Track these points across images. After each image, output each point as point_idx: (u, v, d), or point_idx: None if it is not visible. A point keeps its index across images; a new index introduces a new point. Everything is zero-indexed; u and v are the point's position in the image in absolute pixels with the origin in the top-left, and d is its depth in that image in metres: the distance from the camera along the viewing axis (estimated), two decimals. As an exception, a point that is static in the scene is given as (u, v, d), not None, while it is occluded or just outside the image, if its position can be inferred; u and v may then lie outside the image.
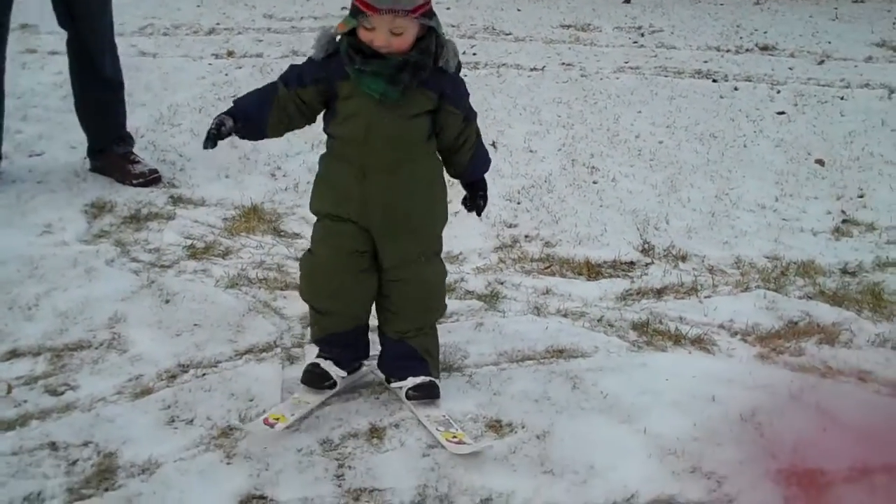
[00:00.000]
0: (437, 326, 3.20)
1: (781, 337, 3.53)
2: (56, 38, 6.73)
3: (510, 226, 4.31)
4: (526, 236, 4.22)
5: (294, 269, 3.84)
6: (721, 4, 8.11)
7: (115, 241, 4.11)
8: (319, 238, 3.04)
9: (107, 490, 2.72)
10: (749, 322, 3.60)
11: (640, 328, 3.55)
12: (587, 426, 2.99)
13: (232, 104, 2.97)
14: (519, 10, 7.92)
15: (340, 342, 3.09)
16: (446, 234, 3.93)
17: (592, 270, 3.96)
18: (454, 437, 2.86)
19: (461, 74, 2.99)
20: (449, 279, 3.69)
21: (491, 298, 3.73)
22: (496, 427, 2.98)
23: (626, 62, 6.60)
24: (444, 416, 2.97)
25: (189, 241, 4.12)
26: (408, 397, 3.01)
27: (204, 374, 3.23)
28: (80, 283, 3.77)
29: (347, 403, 3.07)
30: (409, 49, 2.79)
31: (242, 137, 3.01)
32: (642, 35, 7.23)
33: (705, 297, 3.79)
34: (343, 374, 3.09)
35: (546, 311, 3.67)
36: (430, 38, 2.83)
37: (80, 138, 5.17)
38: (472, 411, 3.04)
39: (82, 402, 3.09)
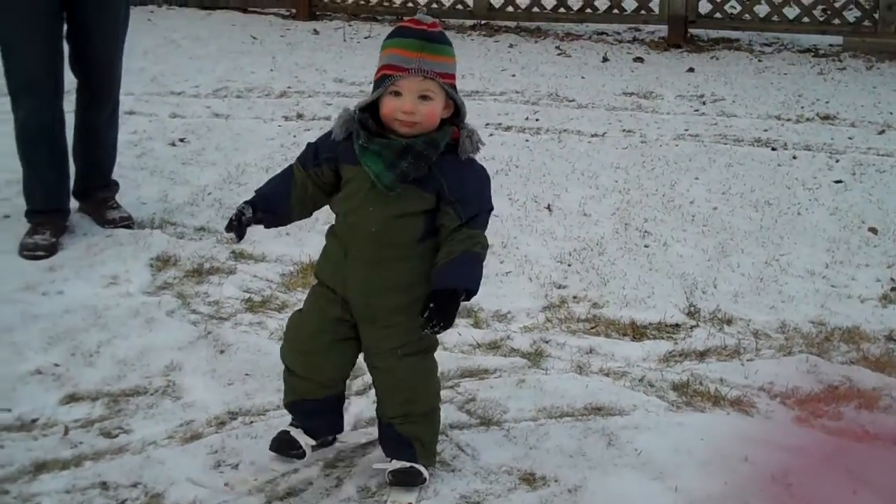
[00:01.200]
0: (480, 382, 3.28)
1: (821, 400, 3.57)
2: (132, 99, 7.03)
3: (559, 286, 4.40)
4: (574, 297, 4.31)
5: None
6: (784, 74, 8.16)
7: (177, 294, 4.27)
8: (308, 299, 3.07)
9: (152, 529, 2.84)
10: (789, 385, 3.64)
11: (680, 389, 3.61)
12: (619, 482, 3.06)
13: (254, 194, 2.95)
14: (583, 77, 8.05)
15: (312, 410, 3.05)
16: (493, 292, 4.07)
17: (637, 331, 4.03)
18: None
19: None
20: (495, 336, 3.82)
21: (535, 356, 3.82)
22: (529, 480, 3.06)
23: (686, 129, 6.68)
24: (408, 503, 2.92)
25: (247, 295, 4.27)
26: (388, 480, 2.95)
27: (252, 422, 3.36)
28: (140, 333, 3.93)
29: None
30: (423, 132, 2.71)
31: (268, 226, 2.98)
32: (704, 103, 7.31)
33: (747, 360, 3.84)
34: (312, 442, 3.05)
35: (588, 369, 3.75)
36: (447, 129, 2.75)
37: (148, 195, 5.39)
38: (507, 464, 3.13)
39: (134, 445, 3.24)
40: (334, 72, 8.04)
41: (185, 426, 3.35)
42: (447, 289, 2.72)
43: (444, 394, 3.43)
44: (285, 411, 3.37)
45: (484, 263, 2.82)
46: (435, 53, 2.70)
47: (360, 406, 3.44)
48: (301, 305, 3.95)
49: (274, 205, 2.91)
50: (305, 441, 3.04)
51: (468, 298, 2.79)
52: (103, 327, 3.98)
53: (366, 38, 9.26)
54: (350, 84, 7.70)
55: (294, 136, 6.49)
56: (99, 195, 5.03)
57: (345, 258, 2.87)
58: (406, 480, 2.93)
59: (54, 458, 3.18)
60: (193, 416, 3.39)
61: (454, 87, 2.75)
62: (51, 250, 4.62)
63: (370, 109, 2.77)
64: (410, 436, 2.94)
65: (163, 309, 4.13)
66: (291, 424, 3.09)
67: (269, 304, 4.20)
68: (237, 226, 2.86)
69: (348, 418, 3.29)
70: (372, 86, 2.79)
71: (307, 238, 4.84)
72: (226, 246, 4.77)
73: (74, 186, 5.01)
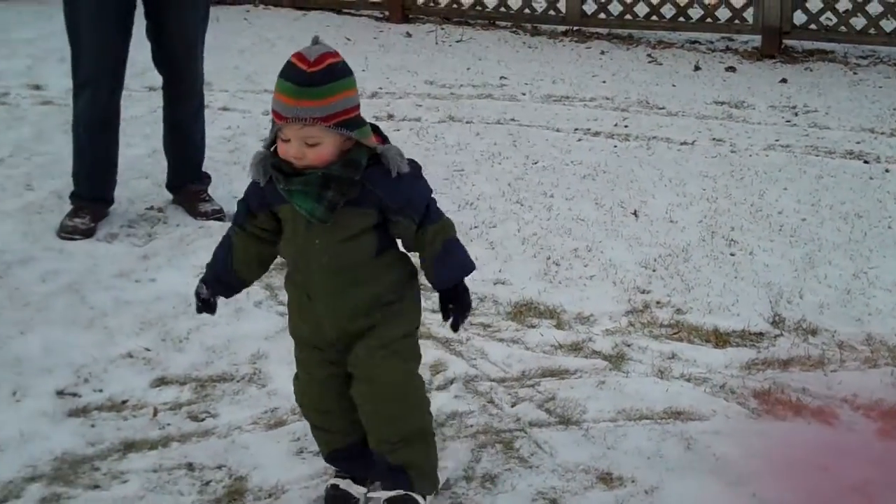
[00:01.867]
0: (560, 382, 3.29)
1: (905, 414, 3.54)
2: (226, 96, 7.17)
3: (643, 291, 4.41)
4: (657, 302, 4.31)
5: (429, 321, 4.01)
6: (880, 87, 8.04)
7: (265, 285, 4.35)
8: (298, 366, 2.96)
9: (238, 510, 2.93)
10: (873, 397, 3.61)
11: (762, 396, 3.60)
12: (696, 485, 3.07)
13: (205, 269, 2.91)
14: (674, 85, 8.02)
15: (346, 457, 2.96)
16: (577, 295, 4.10)
17: (720, 339, 4.02)
18: None
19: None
20: (577, 338, 3.85)
21: (616, 359, 3.83)
22: (606, 479, 3.09)
23: (777, 140, 6.62)
24: None
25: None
26: None
27: (334, 412, 3.42)
28: (228, 321, 4.02)
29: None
30: (331, 162, 2.57)
31: (228, 296, 2.94)
32: (796, 114, 7.24)
33: (831, 371, 3.81)
34: (363, 490, 2.95)
35: (669, 374, 3.75)
36: (360, 150, 2.60)
37: (241, 189, 5.45)
38: (584, 463, 3.15)
39: (220, 429, 3.33)
40: (426, 74, 8.10)
41: (270, 413, 3.43)
42: (452, 286, 2.76)
43: (523, 392, 3.50)
44: (367, 402, 3.44)
45: (459, 241, 2.81)
46: (313, 98, 2.50)
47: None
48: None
49: (222, 276, 2.85)
50: (356, 490, 2.94)
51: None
52: (193, 315, 4.04)
53: (458, 41, 9.31)
54: (441, 86, 7.76)
55: (384, 136, 6.55)
56: (191, 188, 5.21)
57: (309, 301, 2.76)
58: None
59: (143, 438, 3.29)
60: (278, 404, 3.46)
61: (347, 121, 2.55)
62: (88, 234, 4.84)
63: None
64: (404, 463, 2.80)
65: (251, 299, 4.21)
66: (337, 476, 2.99)
67: (355, 299, 4.25)
68: (202, 306, 2.89)
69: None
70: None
71: (394, 235, 4.89)
72: (314, 241, 4.84)
73: (167, 179, 5.27)
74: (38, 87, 7.42)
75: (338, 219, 2.61)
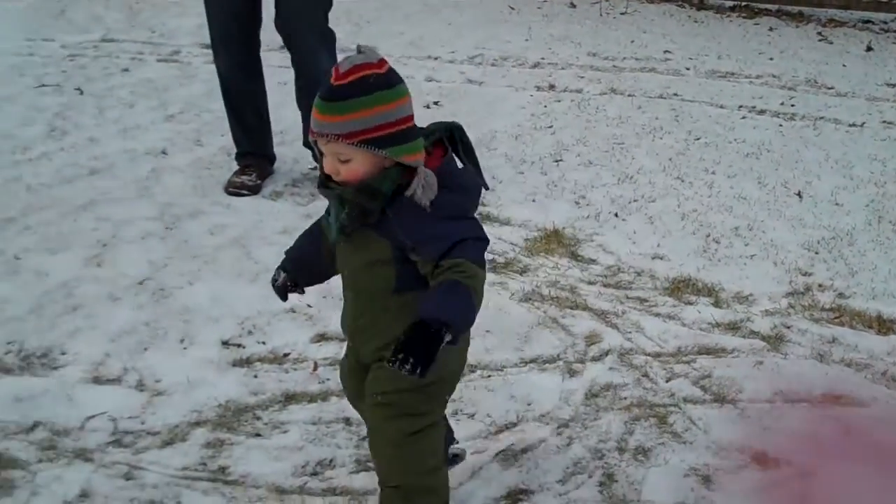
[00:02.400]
0: (717, 360, 3.27)
1: None
2: (390, 61, 7.24)
3: (805, 273, 4.33)
4: (819, 285, 4.23)
5: (585, 292, 4.03)
6: None
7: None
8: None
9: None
10: None
11: (925, 386, 3.52)
12: (854, 472, 3.01)
13: (283, 255, 2.76)
14: (844, 65, 7.81)
15: None
16: (736, 274, 4.05)
17: (883, 325, 3.93)
18: None
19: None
20: (735, 317, 3.80)
21: (775, 340, 3.78)
22: (761, 459, 3.05)
23: (953, 125, 6.42)
24: None
25: (491, 256, 4.37)
26: None
27: (489, 376, 3.47)
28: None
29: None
30: (357, 184, 2.36)
31: (306, 285, 2.74)
32: (974, 99, 7.00)
33: None
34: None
35: (829, 358, 3.68)
36: (390, 172, 2.35)
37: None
38: (738, 441, 3.13)
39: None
40: (589, 46, 8.06)
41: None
42: (420, 319, 2.24)
43: (678, 368, 3.48)
44: (523, 367, 3.49)
45: (472, 294, 2.31)
46: (335, 113, 2.32)
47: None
48: (535, 273, 4.07)
49: (307, 264, 2.69)
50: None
51: (451, 335, 2.26)
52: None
53: (622, 13, 9.24)
54: (604, 58, 7.71)
55: (545, 106, 6.56)
56: None
57: (344, 301, 2.62)
58: None
59: (303, 390, 3.38)
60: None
61: (377, 139, 2.32)
62: (255, 190, 5.00)
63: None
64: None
65: (410, 262, 4.27)
66: None
67: (512, 267, 4.29)
68: (279, 290, 2.72)
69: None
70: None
71: (553, 206, 4.91)
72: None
73: (303, 138, 5.22)
74: (207, 46, 7.58)
75: (358, 240, 2.42)
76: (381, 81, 2.33)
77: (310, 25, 4.84)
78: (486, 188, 2.59)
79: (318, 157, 2.44)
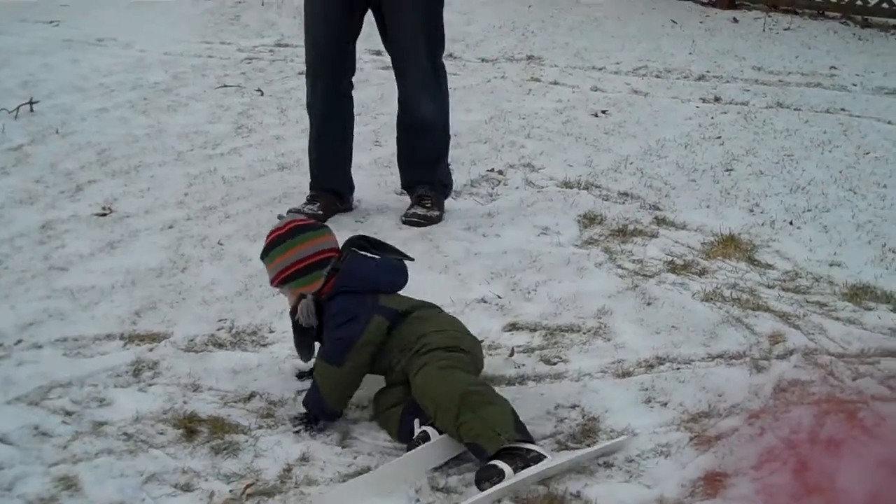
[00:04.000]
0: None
1: None
2: (556, 71, 7.46)
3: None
4: None
5: (765, 295, 4.14)
6: None
7: (604, 249, 4.57)
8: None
9: (588, 445, 3.15)
10: None
11: None
12: None
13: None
14: None
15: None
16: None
17: None
18: None
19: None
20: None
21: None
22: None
23: None
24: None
25: (670, 258, 4.50)
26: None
27: (679, 368, 3.61)
28: (572, 279, 4.26)
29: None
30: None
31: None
32: None
33: None
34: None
35: None
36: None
37: (574, 158, 5.74)
38: (929, 439, 3.20)
39: (571, 374, 3.57)
40: (753, 60, 8.11)
41: (617, 364, 3.64)
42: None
43: (863, 368, 3.57)
44: (710, 362, 3.62)
45: (319, 387, 3.31)
46: (266, 264, 3.47)
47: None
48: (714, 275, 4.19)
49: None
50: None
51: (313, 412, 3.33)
52: (539, 269, 4.35)
53: (785, 29, 9.24)
54: (769, 73, 7.76)
55: (711, 118, 6.66)
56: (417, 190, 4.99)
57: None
58: (484, 477, 2.95)
59: (501, 374, 3.57)
60: (624, 357, 3.67)
61: (287, 278, 3.40)
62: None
63: None
64: (471, 438, 3.02)
65: (592, 261, 4.44)
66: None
67: (691, 269, 4.41)
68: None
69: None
70: None
71: (727, 213, 5.02)
72: (648, 212, 5.02)
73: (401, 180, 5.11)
74: (378, 53, 7.86)
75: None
76: (285, 234, 3.40)
77: (416, 64, 4.74)
78: (408, 259, 3.53)
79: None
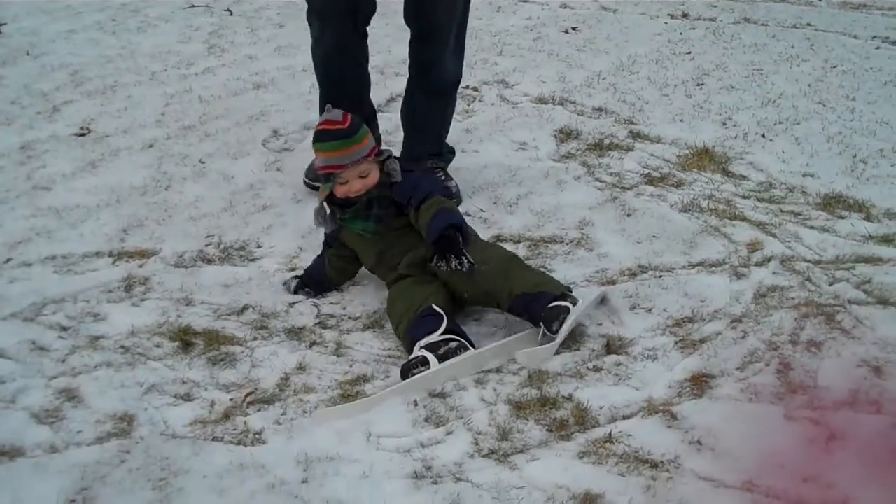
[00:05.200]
0: (875, 268, 3.38)
1: None
2: (530, -13, 7.45)
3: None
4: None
5: (741, 205, 4.22)
6: None
7: (582, 163, 4.64)
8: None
9: (577, 349, 3.24)
10: None
11: None
12: None
13: (303, 272, 3.74)
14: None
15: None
16: (885, 192, 4.21)
17: None
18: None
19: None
20: (888, 230, 3.96)
21: (928, 253, 3.93)
22: (927, 355, 3.25)
23: None
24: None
25: (646, 170, 4.58)
26: (545, 327, 3.27)
27: (661, 276, 3.70)
28: (552, 192, 4.33)
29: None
30: (376, 184, 3.46)
31: (320, 293, 3.69)
32: None
33: None
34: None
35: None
36: (385, 173, 3.49)
37: (547, 75, 5.78)
38: (904, 339, 3.32)
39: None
40: (719, -25, 8.14)
41: (601, 273, 3.73)
42: (438, 233, 3.34)
43: (839, 273, 3.68)
44: (691, 269, 3.72)
45: (452, 209, 3.46)
46: (355, 144, 3.42)
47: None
48: (690, 186, 4.26)
49: (318, 280, 3.69)
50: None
51: (463, 235, 3.38)
52: (519, 184, 4.42)
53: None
54: (735, -12, 7.80)
55: (680, 34, 6.71)
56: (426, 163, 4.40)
57: (408, 282, 3.46)
58: (553, 316, 3.23)
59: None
60: (607, 266, 3.76)
61: (377, 152, 3.51)
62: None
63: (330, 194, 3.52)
64: (534, 286, 3.30)
65: (570, 174, 4.51)
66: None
67: (668, 181, 4.49)
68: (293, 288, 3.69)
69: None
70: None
71: (701, 126, 5.09)
72: (623, 126, 5.09)
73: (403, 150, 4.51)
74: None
75: (388, 226, 3.51)
76: (358, 123, 3.48)
77: (449, 26, 4.18)
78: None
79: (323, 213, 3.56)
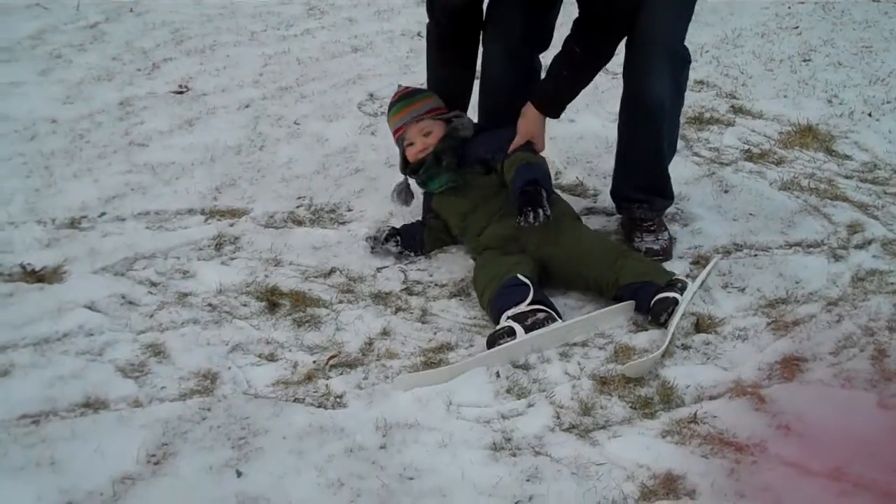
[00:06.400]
0: None
1: None
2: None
3: None
4: None
5: (843, 186, 4.11)
6: None
7: (680, 136, 4.52)
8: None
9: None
10: None
11: None
12: None
13: (399, 226, 3.72)
14: None
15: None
16: None
17: None
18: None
19: None
20: None
21: None
22: None
23: None
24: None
25: (746, 147, 4.48)
26: (653, 316, 3.23)
27: (756, 255, 3.62)
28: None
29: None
30: (441, 139, 3.56)
31: (404, 246, 3.65)
32: None
33: None
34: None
35: None
36: (452, 126, 3.60)
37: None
38: None
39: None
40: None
41: (695, 249, 3.65)
42: (519, 189, 3.34)
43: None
44: (788, 249, 3.63)
45: (543, 166, 3.48)
46: (413, 103, 3.63)
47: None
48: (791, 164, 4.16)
49: (410, 234, 3.68)
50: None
51: (545, 189, 3.36)
52: (614, 155, 4.33)
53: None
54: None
55: (788, 7, 6.56)
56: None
57: (494, 253, 3.44)
58: (661, 308, 3.18)
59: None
60: (701, 242, 3.68)
61: (438, 110, 3.64)
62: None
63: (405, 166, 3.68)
64: (641, 276, 3.26)
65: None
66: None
67: (768, 158, 4.39)
68: (376, 238, 3.68)
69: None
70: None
71: (805, 103, 4.96)
72: (725, 100, 4.98)
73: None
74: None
75: (468, 182, 3.57)
76: (418, 89, 3.74)
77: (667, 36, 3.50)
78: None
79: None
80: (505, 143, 3.50)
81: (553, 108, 3.53)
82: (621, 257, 3.33)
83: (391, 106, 3.70)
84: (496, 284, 3.23)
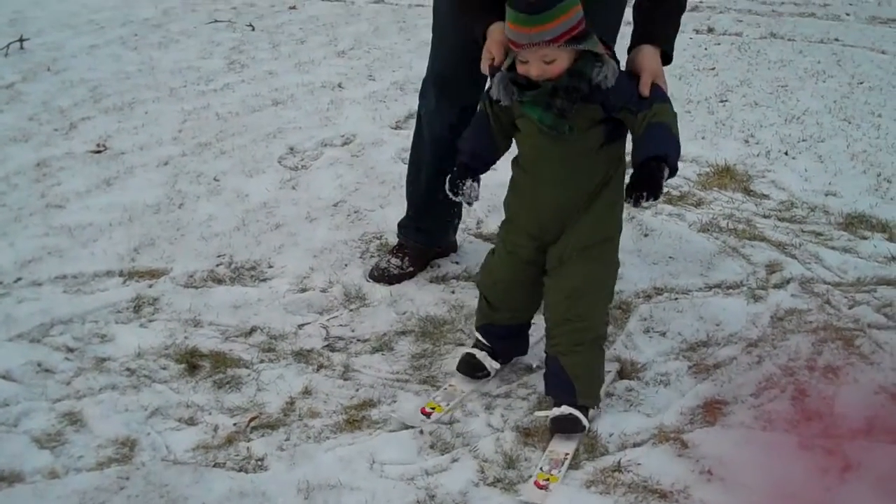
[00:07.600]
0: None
1: None
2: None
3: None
4: None
5: (762, 225, 4.15)
6: None
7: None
8: (500, 240, 3.15)
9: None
10: None
11: None
12: None
13: (461, 155, 3.03)
14: None
15: (500, 334, 3.20)
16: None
17: None
18: (545, 479, 2.78)
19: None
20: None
21: (952, 275, 3.85)
22: (948, 382, 3.16)
23: None
24: (564, 455, 2.87)
25: (665, 189, 4.48)
26: (549, 427, 2.96)
27: (676, 298, 3.63)
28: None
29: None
30: (563, 74, 2.75)
31: (481, 172, 3.03)
32: None
33: None
34: (497, 365, 3.22)
35: None
36: (586, 60, 2.75)
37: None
38: (925, 366, 3.24)
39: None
40: (746, -11, 8.07)
41: (616, 295, 3.63)
42: (640, 161, 2.74)
43: (860, 297, 3.59)
44: (708, 292, 3.64)
45: (673, 129, 2.81)
46: (540, 23, 2.69)
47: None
48: (710, 206, 4.19)
49: (482, 146, 3.02)
50: (490, 364, 3.20)
51: (669, 167, 2.77)
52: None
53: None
54: (762, 3, 7.77)
55: (705, 49, 6.67)
56: None
57: (535, 186, 2.98)
58: (567, 427, 2.93)
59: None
60: (623, 287, 3.68)
61: (577, 38, 2.73)
62: (396, 280, 3.82)
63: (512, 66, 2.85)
64: (572, 375, 2.94)
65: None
66: (475, 347, 3.24)
67: (687, 199, 4.43)
68: (458, 185, 2.97)
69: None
70: None
71: (723, 143, 5.02)
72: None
73: None
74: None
75: (564, 136, 2.84)
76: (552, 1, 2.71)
77: None
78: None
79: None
80: (635, 88, 2.83)
81: (669, 39, 3.01)
82: (567, 323, 2.96)
83: (512, 3, 2.74)
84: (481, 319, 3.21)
